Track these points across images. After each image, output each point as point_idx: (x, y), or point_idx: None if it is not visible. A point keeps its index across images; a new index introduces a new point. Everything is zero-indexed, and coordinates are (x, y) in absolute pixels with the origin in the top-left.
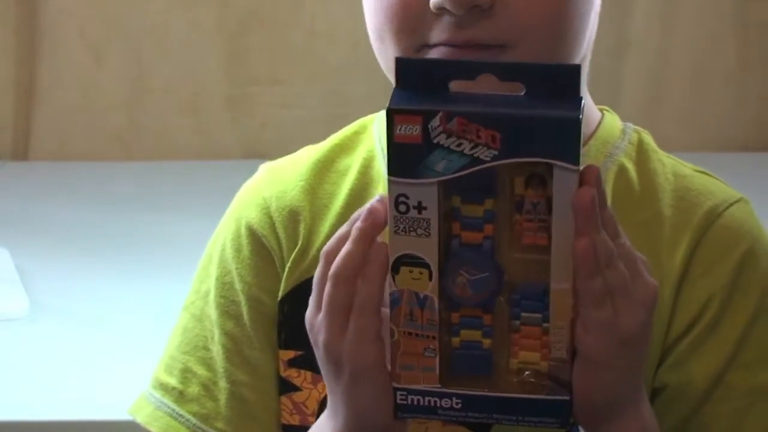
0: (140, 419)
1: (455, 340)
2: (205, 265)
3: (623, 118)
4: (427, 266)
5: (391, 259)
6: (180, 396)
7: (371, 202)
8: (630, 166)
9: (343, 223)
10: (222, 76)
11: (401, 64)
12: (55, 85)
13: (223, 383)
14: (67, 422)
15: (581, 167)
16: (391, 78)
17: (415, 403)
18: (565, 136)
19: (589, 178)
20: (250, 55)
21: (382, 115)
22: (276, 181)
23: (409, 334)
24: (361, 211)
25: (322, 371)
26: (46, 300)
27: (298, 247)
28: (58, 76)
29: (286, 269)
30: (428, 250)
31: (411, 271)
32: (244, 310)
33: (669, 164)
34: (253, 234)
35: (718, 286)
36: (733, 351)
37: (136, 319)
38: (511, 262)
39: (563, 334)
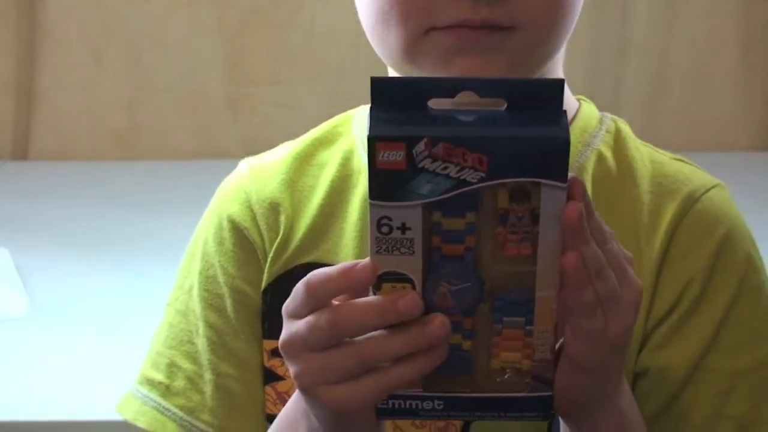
0: (127, 416)
1: None
2: (187, 261)
3: (624, 119)
4: (410, 280)
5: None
6: (166, 390)
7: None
8: (608, 154)
9: (324, 215)
10: (222, 76)
11: (377, 84)
12: (55, 85)
13: (208, 375)
14: (67, 422)
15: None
16: (390, 66)
17: (397, 407)
18: (554, 156)
19: (575, 192)
20: (250, 55)
21: (362, 109)
22: (256, 175)
23: None
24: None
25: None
26: (45, 300)
27: (279, 238)
28: (58, 76)
29: (269, 260)
30: (412, 266)
31: (394, 286)
32: (228, 302)
33: (646, 152)
34: (235, 227)
35: (698, 270)
36: (714, 334)
37: (136, 319)
38: (493, 272)
39: (547, 337)
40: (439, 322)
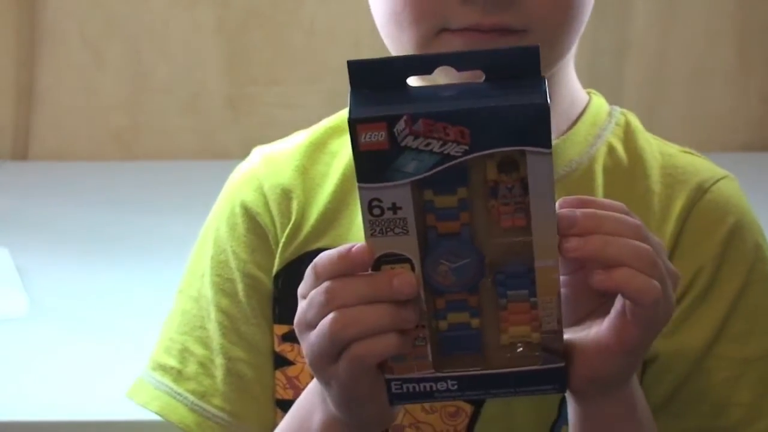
0: (138, 401)
1: (443, 324)
2: (199, 247)
3: None
4: (408, 260)
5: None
6: (178, 375)
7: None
8: (619, 146)
9: (335, 202)
10: (222, 76)
11: (354, 67)
12: (55, 85)
13: (219, 360)
14: (67, 422)
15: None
16: None
17: (411, 390)
18: (534, 122)
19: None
20: (250, 55)
21: None
22: (269, 163)
23: None
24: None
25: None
26: (45, 300)
27: (291, 224)
28: (58, 76)
29: (280, 246)
30: (408, 246)
31: (393, 268)
32: (240, 287)
33: (655, 144)
34: (247, 212)
35: (707, 259)
36: (723, 322)
37: (136, 319)
38: (491, 245)
39: (552, 307)
40: (406, 277)
